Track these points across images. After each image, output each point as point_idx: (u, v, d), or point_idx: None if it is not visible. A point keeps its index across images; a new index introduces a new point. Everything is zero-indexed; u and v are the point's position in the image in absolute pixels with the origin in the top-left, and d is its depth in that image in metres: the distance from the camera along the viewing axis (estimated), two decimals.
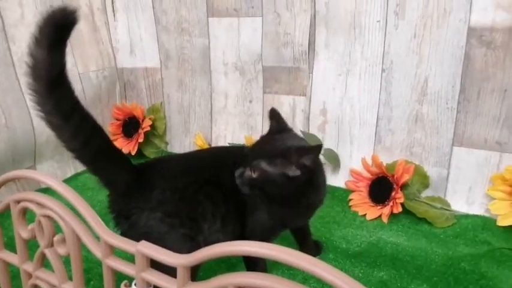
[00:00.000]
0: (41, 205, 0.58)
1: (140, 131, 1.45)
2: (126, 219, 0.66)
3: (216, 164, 0.74)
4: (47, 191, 0.60)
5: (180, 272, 0.44)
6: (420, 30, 1.07)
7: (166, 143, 1.53)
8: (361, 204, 1.13)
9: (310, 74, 1.25)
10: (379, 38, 1.13)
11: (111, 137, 1.47)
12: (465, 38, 1.02)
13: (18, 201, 0.61)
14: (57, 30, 0.55)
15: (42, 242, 0.60)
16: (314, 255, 0.90)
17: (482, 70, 1.02)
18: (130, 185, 0.66)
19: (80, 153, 0.62)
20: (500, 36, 0.99)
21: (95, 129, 0.63)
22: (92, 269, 0.81)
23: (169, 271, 0.47)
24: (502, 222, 1.00)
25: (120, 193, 0.67)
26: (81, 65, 1.36)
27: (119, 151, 0.69)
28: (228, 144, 1.40)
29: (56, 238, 0.58)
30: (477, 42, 1.02)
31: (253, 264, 0.77)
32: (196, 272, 0.67)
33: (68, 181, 1.30)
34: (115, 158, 0.67)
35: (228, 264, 0.87)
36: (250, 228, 0.75)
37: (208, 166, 0.72)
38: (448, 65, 1.06)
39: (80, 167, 1.36)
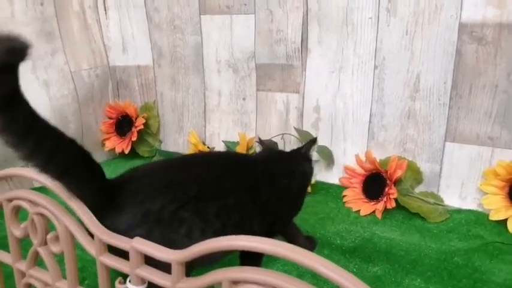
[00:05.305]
0: (33, 203, 0.58)
1: (133, 129, 1.45)
2: None
3: (209, 173, 0.70)
4: (41, 189, 0.60)
5: (174, 268, 0.44)
6: (412, 26, 1.07)
7: (160, 142, 1.52)
8: (355, 200, 1.13)
9: (303, 71, 1.25)
10: (371, 34, 1.13)
11: (104, 136, 1.48)
12: (456, 34, 1.03)
13: (11, 200, 0.60)
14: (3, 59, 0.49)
15: (35, 241, 0.59)
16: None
17: (473, 66, 1.03)
18: (98, 205, 0.61)
19: (42, 170, 0.57)
20: (491, 32, 1.00)
21: (59, 147, 0.58)
22: (86, 268, 0.80)
23: (165, 267, 0.47)
24: (494, 216, 1.01)
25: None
26: (73, 64, 1.35)
27: (89, 170, 0.62)
28: (222, 143, 1.40)
29: (49, 236, 0.58)
30: (468, 38, 1.02)
31: (250, 261, 0.76)
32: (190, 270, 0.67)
33: None
34: (82, 178, 0.61)
35: (223, 259, 0.87)
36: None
37: (196, 178, 0.68)
38: (440, 61, 1.06)
39: None
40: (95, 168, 0.63)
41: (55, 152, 0.57)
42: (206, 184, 0.68)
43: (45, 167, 0.57)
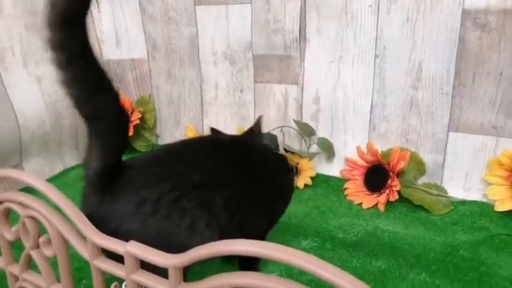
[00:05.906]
0: (24, 206, 0.56)
1: (129, 124, 1.42)
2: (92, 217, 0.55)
3: (213, 159, 0.64)
4: (33, 190, 0.57)
5: (171, 273, 0.42)
6: (413, 14, 1.04)
7: (157, 136, 1.50)
8: (357, 193, 1.11)
9: (302, 62, 1.22)
10: (372, 23, 1.10)
11: None
12: (459, 21, 1.00)
13: (1, 202, 0.58)
14: None
15: (27, 244, 0.57)
16: None
17: (477, 54, 1.00)
18: (101, 180, 0.57)
19: (79, 103, 0.55)
20: (495, 19, 0.97)
21: (105, 85, 0.55)
22: (83, 268, 0.78)
23: (162, 271, 0.44)
24: (499, 207, 0.99)
25: (93, 184, 0.58)
26: None
27: (121, 130, 0.58)
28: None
29: (41, 239, 0.55)
30: (472, 25, 0.99)
31: (248, 263, 0.72)
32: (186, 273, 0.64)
33: (57, 178, 1.26)
34: (111, 132, 0.57)
35: (223, 261, 0.85)
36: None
37: (200, 164, 0.62)
38: (443, 49, 1.03)
39: (68, 163, 1.32)
40: (125, 136, 0.59)
41: (99, 88, 0.55)
42: (212, 172, 0.62)
43: (83, 101, 0.55)
